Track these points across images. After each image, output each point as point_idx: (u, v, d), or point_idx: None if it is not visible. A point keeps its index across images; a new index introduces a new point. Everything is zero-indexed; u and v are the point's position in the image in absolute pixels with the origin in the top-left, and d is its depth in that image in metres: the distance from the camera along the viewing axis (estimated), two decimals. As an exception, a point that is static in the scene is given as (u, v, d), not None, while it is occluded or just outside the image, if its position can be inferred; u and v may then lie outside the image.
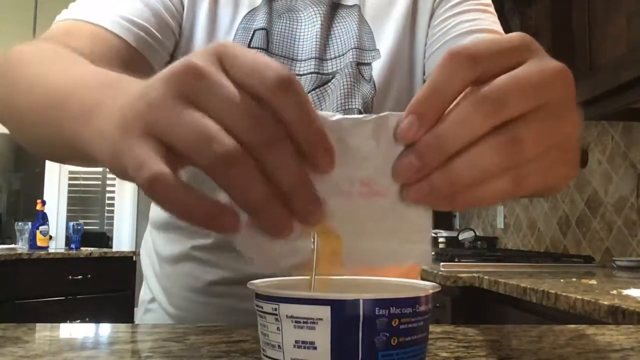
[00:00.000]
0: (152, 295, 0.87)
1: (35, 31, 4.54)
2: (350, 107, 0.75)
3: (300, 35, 0.78)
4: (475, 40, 0.37)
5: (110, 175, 6.04)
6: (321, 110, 0.76)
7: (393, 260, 0.40)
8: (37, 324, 0.69)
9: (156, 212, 0.86)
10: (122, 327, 0.70)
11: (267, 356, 0.40)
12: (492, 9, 0.81)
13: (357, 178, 0.37)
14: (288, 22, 0.79)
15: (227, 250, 0.77)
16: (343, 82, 0.76)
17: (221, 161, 0.32)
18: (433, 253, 2.59)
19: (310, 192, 0.34)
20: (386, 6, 0.80)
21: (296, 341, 0.38)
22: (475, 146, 0.34)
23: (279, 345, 0.39)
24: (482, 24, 0.77)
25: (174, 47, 0.76)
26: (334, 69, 0.77)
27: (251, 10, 0.78)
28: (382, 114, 0.37)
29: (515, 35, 0.37)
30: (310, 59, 0.77)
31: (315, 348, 0.37)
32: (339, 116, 0.37)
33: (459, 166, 0.34)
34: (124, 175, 0.37)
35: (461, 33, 0.76)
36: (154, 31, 0.72)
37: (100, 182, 6.16)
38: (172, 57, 0.76)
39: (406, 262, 0.40)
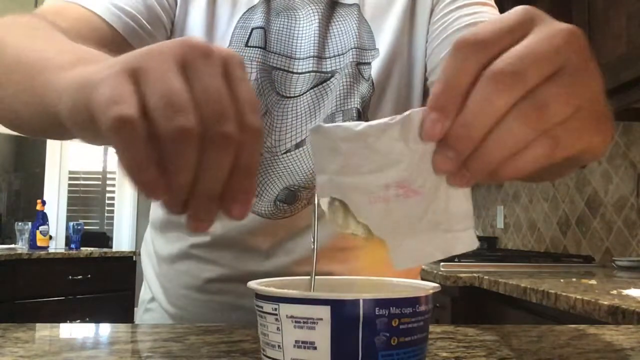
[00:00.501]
0: (152, 294, 0.87)
1: (35, 31, 4.53)
2: (348, 106, 0.75)
3: (298, 34, 0.78)
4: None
5: (110, 176, 6.04)
6: (320, 110, 0.76)
7: (442, 252, 0.40)
8: (37, 324, 0.69)
9: (156, 212, 0.87)
10: (122, 327, 0.70)
11: (267, 356, 0.40)
12: (491, 1, 0.81)
13: (392, 182, 0.37)
14: (286, 20, 0.78)
15: (226, 248, 0.77)
16: (342, 82, 0.76)
17: (177, 134, 0.32)
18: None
19: (209, 208, 0.35)
20: (385, 5, 0.80)
21: (296, 341, 0.38)
22: (503, 122, 0.34)
23: (279, 345, 0.39)
24: (482, 17, 0.76)
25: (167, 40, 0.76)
26: (333, 68, 0.77)
27: (249, 8, 0.78)
28: (405, 114, 0.37)
29: (517, 9, 0.36)
30: (309, 57, 0.77)
31: (315, 348, 0.37)
32: (363, 125, 0.37)
33: (492, 146, 0.34)
34: (83, 117, 0.36)
35: (462, 27, 0.76)
36: (144, 22, 0.71)
37: (100, 182, 6.16)
38: None
39: (455, 251, 0.40)
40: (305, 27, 0.78)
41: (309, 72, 0.77)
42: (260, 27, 0.77)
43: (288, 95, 0.76)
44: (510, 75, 0.33)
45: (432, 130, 0.35)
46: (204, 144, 0.33)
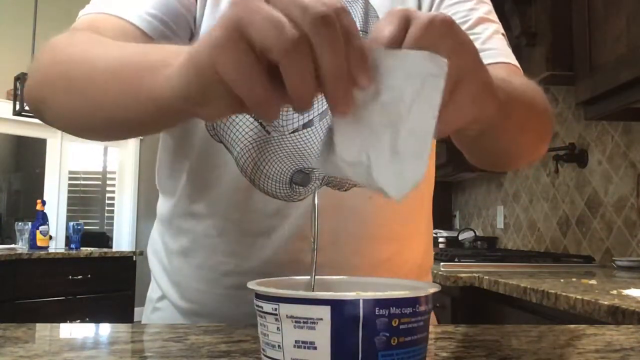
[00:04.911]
0: (161, 292, 0.86)
1: (35, 31, 4.54)
2: None
3: None
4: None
5: (110, 176, 6.04)
6: None
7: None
8: (37, 324, 0.69)
9: (162, 207, 0.86)
10: (122, 327, 0.70)
11: (267, 356, 0.40)
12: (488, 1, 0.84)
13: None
14: None
15: (240, 235, 0.77)
16: None
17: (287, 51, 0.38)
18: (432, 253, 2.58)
19: (344, 87, 0.40)
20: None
21: (296, 341, 0.38)
22: None
23: (279, 345, 0.39)
24: (474, 15, 0.80)
25: (190, 38, 0.78)
26: None
27: None
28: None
29: (394, 12, 0.44)
30: None
31: (315, 348, 0.37)
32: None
33: None
34: (204, 75, 0.43)
35: (452, 4, 0.80)
36: (172, 24, 0.74)
37: (100, 182, 6.17)
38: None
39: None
40: None
41: None
42: None
43: None
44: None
45: None
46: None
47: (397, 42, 0.42)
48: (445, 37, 0.43)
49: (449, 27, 0.43)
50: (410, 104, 0.39)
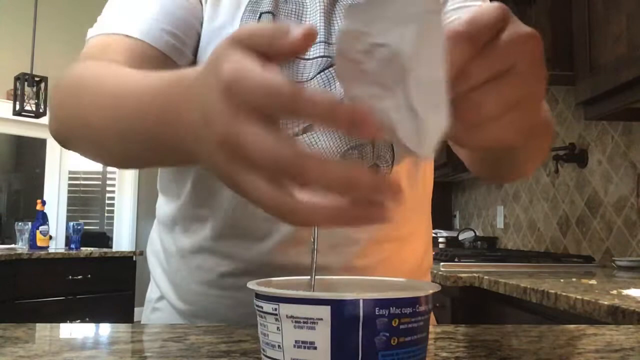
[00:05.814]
0: (160, 293, 0.86)
1: (35, 31, 4.54)
2: None
3: (306, 19, 0.79)
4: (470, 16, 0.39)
5: (110, 175, 6.04)
6: (330, 89, 0.76)
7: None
8: (37, 324, 0.69)
9: (162, 208, 0.86)
10: (122, 327, 0.70)
11: (267, 356, 0.40)
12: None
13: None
14: (294, 6, 0.79)
15: (239, 238, 0.77)
16: None
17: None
18: (433, 253, 2.59)
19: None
20: None
21: (296, 341, 0.38)
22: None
23: (279, 345, 0.39)
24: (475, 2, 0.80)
25: (197, 41, 0.78)
26: None
27: None
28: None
29: (494, 6, 0.39)
30: (318, 42, 0.77)
31: (315, 348, 0.37)
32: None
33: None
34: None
35: (455, 8, 0.80)
36: (182, 36, 0.75)
37: (100, 182, 6.17)
38: (196, 55, 0.78)
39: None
40: (312, 13, 0.79)
41: (318, 57, 0.77)
42: (269, 12, 0.77)
43: (297, 80, 0.76)
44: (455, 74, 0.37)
45: None
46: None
47: (486, 35, 0.38)
48: (534, 54, 0.39)
49: (540, 47, 0.40)
50: (411, 51, 0.35)
